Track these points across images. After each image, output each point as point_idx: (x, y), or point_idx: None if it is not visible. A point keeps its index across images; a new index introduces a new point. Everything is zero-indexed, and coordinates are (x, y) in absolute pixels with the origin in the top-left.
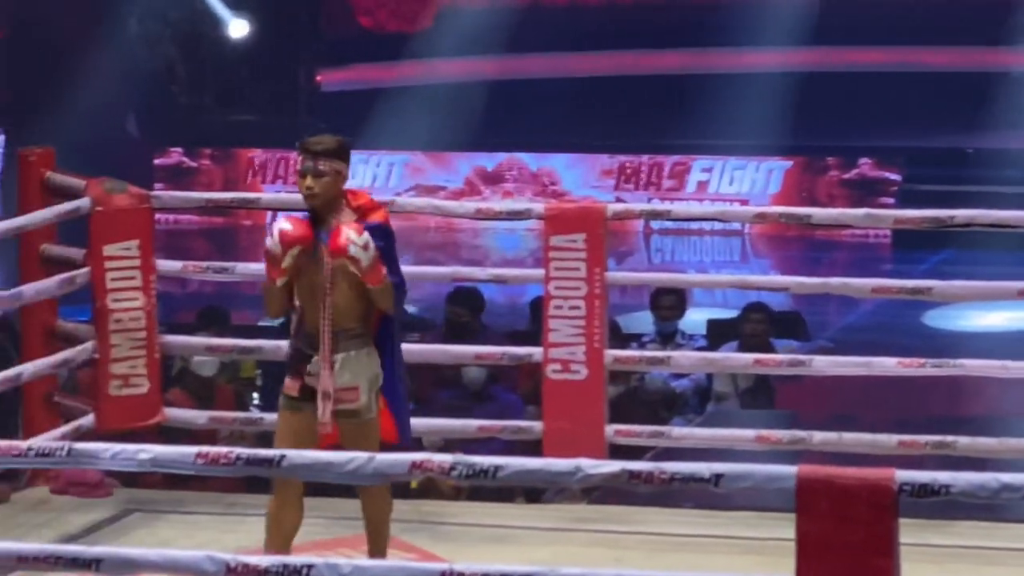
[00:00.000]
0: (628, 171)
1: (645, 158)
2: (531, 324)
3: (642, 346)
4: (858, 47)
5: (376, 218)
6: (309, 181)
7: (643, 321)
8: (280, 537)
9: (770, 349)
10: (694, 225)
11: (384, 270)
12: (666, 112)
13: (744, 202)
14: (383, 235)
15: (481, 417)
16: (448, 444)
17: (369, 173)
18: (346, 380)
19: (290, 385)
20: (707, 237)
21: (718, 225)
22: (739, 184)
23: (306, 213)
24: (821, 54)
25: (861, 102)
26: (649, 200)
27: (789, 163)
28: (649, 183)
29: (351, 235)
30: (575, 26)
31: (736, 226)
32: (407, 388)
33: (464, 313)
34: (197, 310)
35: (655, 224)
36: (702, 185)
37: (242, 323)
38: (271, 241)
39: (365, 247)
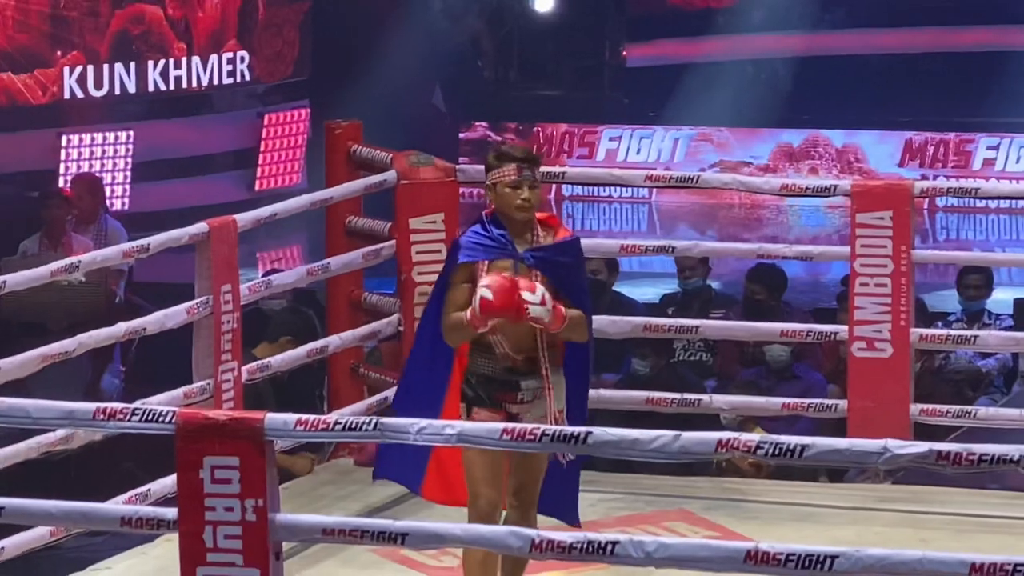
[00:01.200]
0: (931, 148)
1: (952, 135)
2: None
3: (948, 325)
4: None
5: (565, 234)
6: (527, 193)
7: (949, 300)
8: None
9: None
10: (979, 203)
11: (563, 310)
12: (972, 89)
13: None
14: (576, 251)
15: (784, 395)
16: (745, 422)
17: (668, 148)
18: (560, 404)
19: (488, 417)
20: (992, 215)
21: (1004, 203)
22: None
23: (499, 231)
24: None
25: None
26: (934, 177)
27: None
28: (944, 160)
29: (527, 296)
30: (884, 2)
31: (1022, 204)
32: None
33: (761, 291)
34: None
35: (940, 201)
36: (988, 163)
37: None
38: (474, 305)
39: (542, 302)
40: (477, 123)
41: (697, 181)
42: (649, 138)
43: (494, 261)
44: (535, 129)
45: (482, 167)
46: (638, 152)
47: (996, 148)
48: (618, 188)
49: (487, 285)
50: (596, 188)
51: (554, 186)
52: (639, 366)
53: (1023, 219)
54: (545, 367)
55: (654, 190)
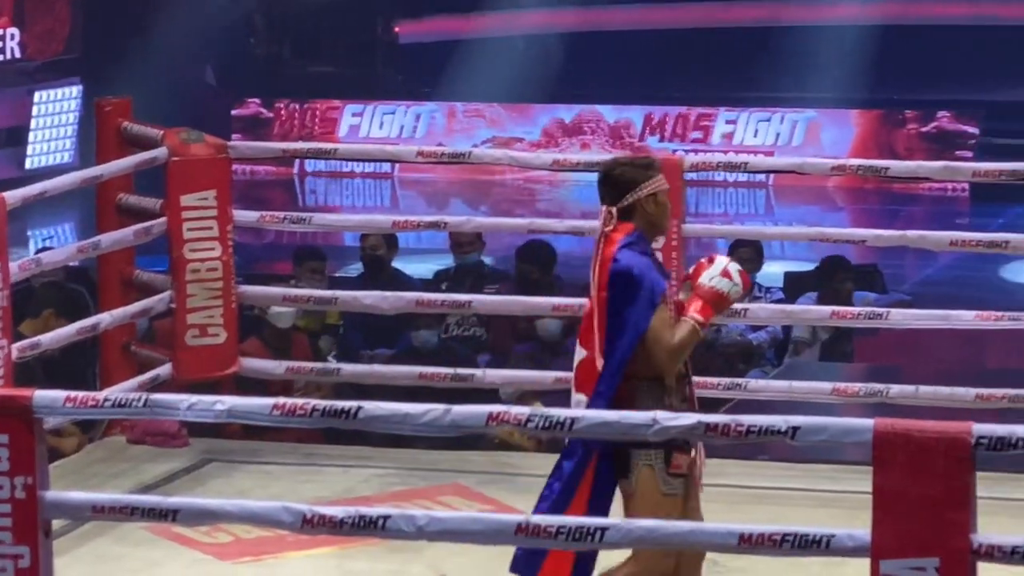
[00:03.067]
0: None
1: (672, 109)
2: None
3: None
4: (937, 0)
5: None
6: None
7: None
8: None
9: (850, 303)
10: (718, 176)
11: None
12: (744, 64)
13: (768, 153)
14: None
15: (557, 370)
16: (524, 396)
17: (444, 125)
18: None
19: (686, 460)
20: (731, 189)
21: (742, 177)
22: (763, 136)
23: (648, 246)
24: (900, 7)
25: (939, 55)
26: (673, 152)
27: (813, 113)
28: (675, 134)
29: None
30: None
31: (760, 178)
32: None
33: (533, 270)
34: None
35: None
36: (727, 136)
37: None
38: (728, 284)
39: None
40: (249, 100)
41: (469, 156)
42: (443, 115)
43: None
44: (313, 104)
45: (255, 143)
46: (380, 127)
47: (734, 122)
48: (360, 164)
49: (726, 273)
50: (339, 164)
51: (297, 162)
52: (427, 336)
53: (760, 192)
54: (694, 392)
55: (396, 166)
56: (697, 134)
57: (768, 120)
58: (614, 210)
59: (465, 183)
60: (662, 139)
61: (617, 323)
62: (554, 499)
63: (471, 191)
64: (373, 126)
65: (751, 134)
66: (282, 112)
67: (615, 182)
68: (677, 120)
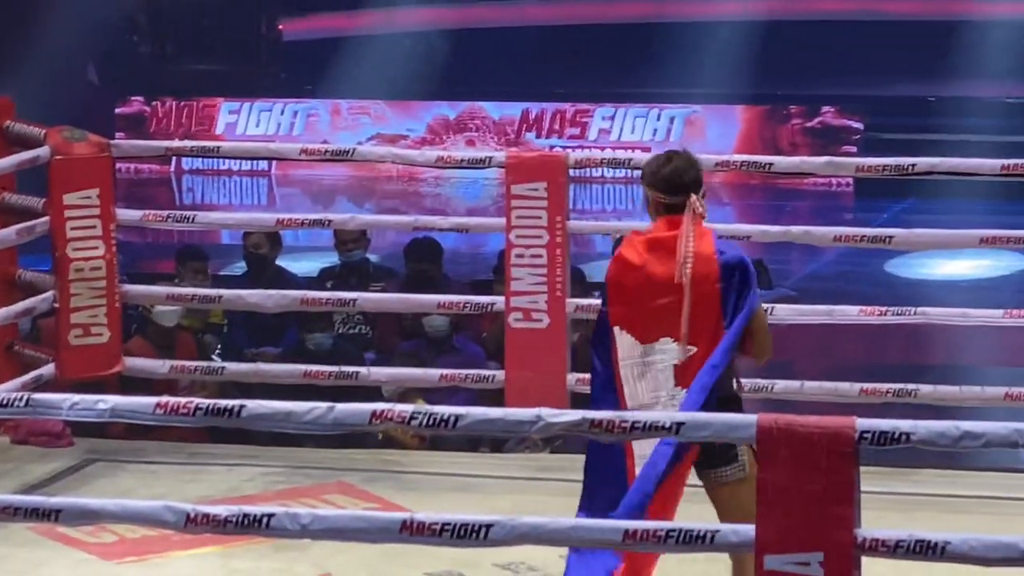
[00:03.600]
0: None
1: (548, 105)
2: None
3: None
4: None
5: None
6: None
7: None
8: None
9: None
10: (597, 173)
11: None
12: (628, 61)
13: (646, 149)
14: None
15: (443, 367)
16: (407, 394)
17: (329, 122)
18: None
19: None
20: (620, 185)
21: (620, 173)
22: (640, 132)
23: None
24: (784, 3)
25: (824, 50)
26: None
27: (693, 109)
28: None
29: None
30: None
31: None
32: None
33: (422, 266)
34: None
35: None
36: (603, 132)
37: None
38: None
39: None
40: (133, 98)
41: (352, 154)
42: (328, 112)
43: None
44: (196, 102)
45: (139, 141)
46: (257, 125)
47: (612, 118)
48: (238, 162)
49: None
50: (217, 162)
51: (174, 160)
52: (322, 339)
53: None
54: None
55: (273, 163)
56: (574, 130)
57: (645, 116)
58: (701, 206)
59: (351, 180)
60: (539, 135)
61: (737, 311)
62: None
63: (356, 189)
64: (250, 123)
65: (628, 130)
66: (159, 110)
67: (694, 179)
68: (555, 116)
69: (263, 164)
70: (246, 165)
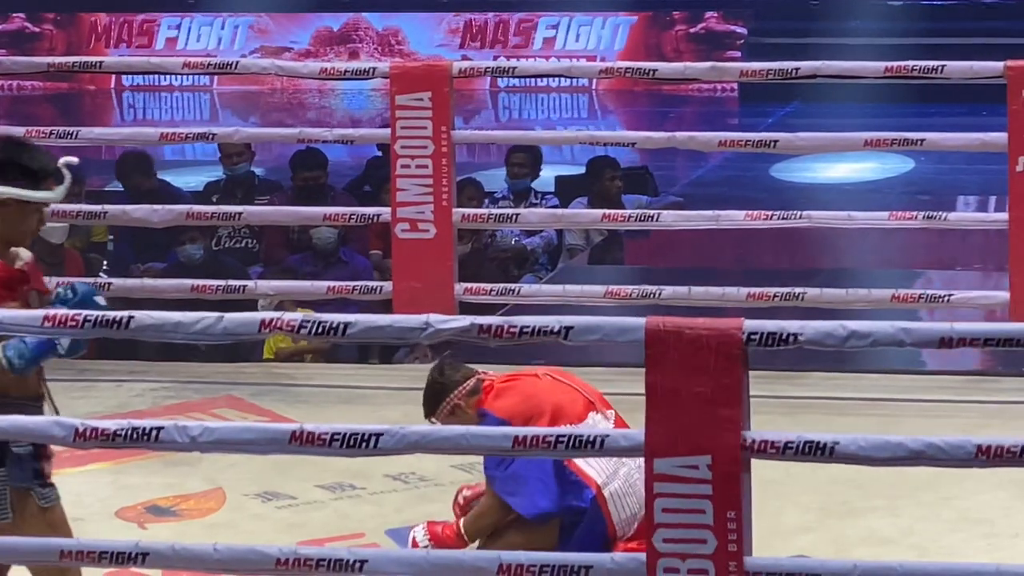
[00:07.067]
0: (474, 29)
1: (491, 15)
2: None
3: (495, 203)
4: None
5: None
6: None
7: (500, 179)
8: None
9: (620, 205)
10: (541, 82)
11: None
12: None
13: (591, 58)
14: None
15: (331, 280)
16: (281, 305)
17: (214, 36)
18: None
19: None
20: (554, 94)
21: (565, 82)
22: (585, 40)
23: None
24: None
25: None
26: (495, 58)
27: (635, 18)
28: (495, 41)
29: None
30: None
31: (584, 82)
32: None
33: (309, 175)
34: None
35: (502, 82)
36: (548, 42)
37: (90, 188)
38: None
39: None
40: (14, 15)
41: (236, 67)
42: (210, 25)
43: None
44: (78, 17)
45: (20, 58)
46: (198, 40)
47: (556, 27)
48: (179, 77)
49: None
50: (157, 78)
51: (113, 77)
52: (192, 251)
53: (584, 97)
54: None
55: (215, 79)
56: (517, 39)
57: (590, 24)
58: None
59: (234, 94)
60: (483, 46)
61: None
62: None
63: (240, 102)
64: (135, 36)
65: (573, 39)
66: (48, 28)
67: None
68: (498, 26)
69: (204, 79)
70: (187, 80)
